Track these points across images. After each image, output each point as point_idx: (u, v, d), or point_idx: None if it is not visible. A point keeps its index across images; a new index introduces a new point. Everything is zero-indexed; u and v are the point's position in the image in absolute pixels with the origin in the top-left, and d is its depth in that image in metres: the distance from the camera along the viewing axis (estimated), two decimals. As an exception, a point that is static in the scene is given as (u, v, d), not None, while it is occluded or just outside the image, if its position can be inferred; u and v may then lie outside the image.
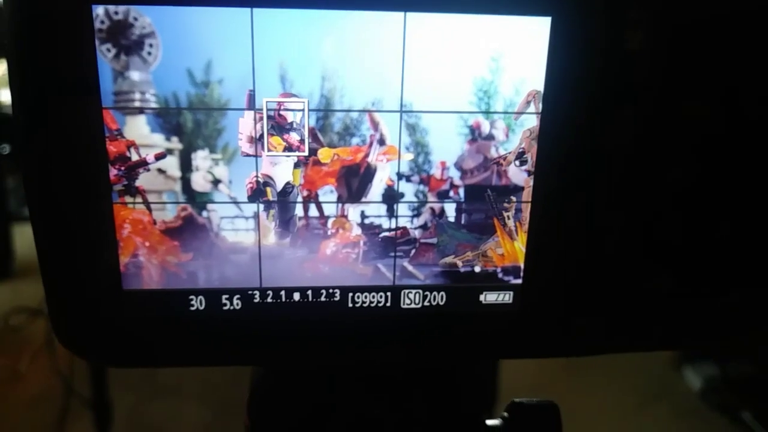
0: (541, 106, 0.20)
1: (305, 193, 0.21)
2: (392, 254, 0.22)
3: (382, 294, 0.22)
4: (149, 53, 0.19)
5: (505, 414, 0.27)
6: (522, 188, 0.21)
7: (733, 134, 0.21)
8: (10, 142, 2.79)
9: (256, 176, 0.20)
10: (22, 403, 1.81)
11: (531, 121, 0.20)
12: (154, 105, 0.19)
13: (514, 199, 0.21)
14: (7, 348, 1.99)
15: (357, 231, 0.21)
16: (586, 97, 0.20)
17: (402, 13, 0.19)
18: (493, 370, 0.28)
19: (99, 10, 0.18)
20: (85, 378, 1.56)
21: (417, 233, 0.22)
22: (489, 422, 0.27)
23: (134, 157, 0.20)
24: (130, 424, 1.72)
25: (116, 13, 0.18)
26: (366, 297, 0.22)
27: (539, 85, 0.20)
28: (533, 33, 0.19)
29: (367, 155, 0.21)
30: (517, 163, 0.21)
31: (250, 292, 0.22)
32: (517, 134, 0.21)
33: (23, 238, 2.75)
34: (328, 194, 0.21)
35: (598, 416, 1.71)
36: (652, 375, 1.92)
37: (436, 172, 0.21)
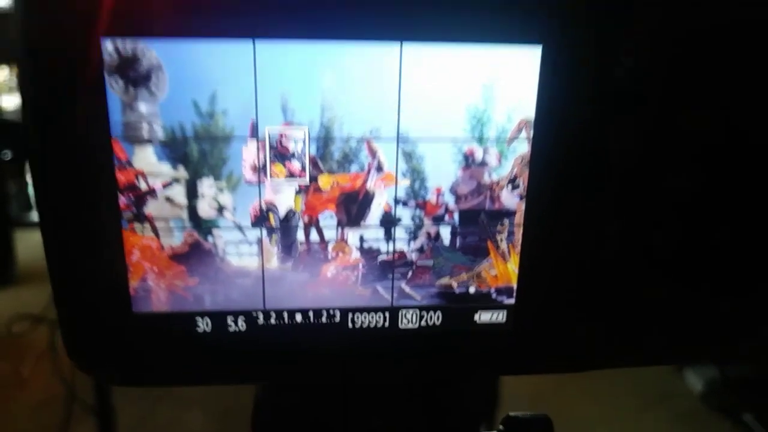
0: (532, 132, 0.21)
1: (306, 219, 0.22)
2: (390, 276, 0.23)
3: (380, 314, 0.23)
4: (156, 86, 0.20)
5: (501, 427, 0.27)
6: (514, 212, 0.22)
7: (714, 157, 0.21)
8: (11, 147, 2.80)
9: (260, 203, 0.21)
10: (26, 409, 1.81)
11: (523, 148, 0.21)
12: (161, 135, 0.20)
13: (506, 222, 0.22)
14: (10, 354, 2.00)
15: (356, 254, 0.22)
16: (575, 124, 0.21)
17: (398, 44, 0.20)
18: (492, 381, 0.29)
19: (108, 44, 0.19)
20: (87, 384, 1.56)
21: (414, 256, 0.22)
22: None
23: (142, 186, 0.21)
24: (133, 430, 1.72)
25: (125, 46, 0.19)
26: (365, 317, 0.23)
27: (530, 112, 0.21)
28: (524, 62, 0.20)
29: (365, 182, 0.21)
30: (510, 188, 0.22)
31: (254, 314, 0.22)
32: (509, 160, 0.21)
33: (25, 244, 2.76)
34: (328, 219, 0.22)
35: (600, 419, 1.71)
36: (653, 378, 1.92)
37: (431, 197, 0.22)
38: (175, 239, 0.21)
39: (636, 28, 0.20)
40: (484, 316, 0.23)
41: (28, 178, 3.02)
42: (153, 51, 0.19)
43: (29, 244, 2.82)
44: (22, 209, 3.00)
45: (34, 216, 3.04)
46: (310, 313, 0.23)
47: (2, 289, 2.54)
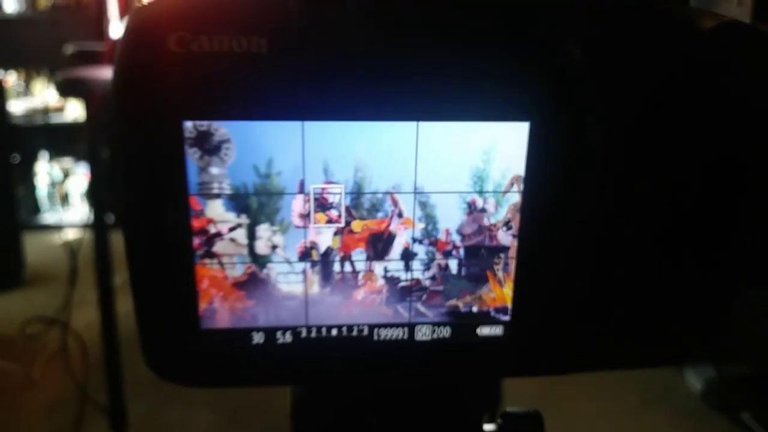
0: (522, 186, 0.27)
1: (341, 254, 0.27)
2: (408, 299, 0.28)
3: (400, 329, 0.28)
4: (225, 154, 0.25)
5: (499, 420, 0.33)
6: (508, 248, 0.28)
7: (681, 205, 0.27)
8: (20, 151, 2.84)
9: (305, 243, 0.27)
10: (38, 410, 1.85)
11: (515, 198, 0.27)
12: (228, 192, 0.26)
13: (502, 256, 0.28)
14: (22, 356, 2.04)
15: (381, 282, 0.28)
16: (556, 180, 0.26)
17: (415, 123, 0.25)
18: (495, 383, 0.34)
19: (188, 124, 0.25)
20: (99, 385, 1.61)
21: (427, 283, 0.28)
22: (486, 427, 0.33)
23: (212, 230, 0.26)
24: (142, 429, 1.76)
25: (201, 125, 0.25)
26: (388, 332, 0.28)
27: (521, 170, 0.26)
28: (516, 134, 0.26)
29: (388, 225, 0.27)
30: (504, 229, 0.27)
31: (298, 329, 0.28)
32: (504, 207, 0.27)
33: (34, 247, 2.80)
34: (359, 255, 0.27)
35: (600, 418, 1.76)
36: (653, 377, 1.96)
37: (442, 236, 0.27)
38: (237, 271, 0.27)
39: (606, 111, 0.26)
40: (484, 330, 0.29)
41: (36, 182, 3.07)
42: (223, 129, 0.25)
43: (38, 247, 2.87)
44: (31, 212, 3.06)
45: (43, 219, 3.09)
46: (344, 329, 0.28)
47: (12, 291, 2.58)
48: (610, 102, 0.26)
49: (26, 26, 3.00)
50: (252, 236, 0.26)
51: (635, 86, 0.26)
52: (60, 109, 3.07)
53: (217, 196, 0.26)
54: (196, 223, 0.26)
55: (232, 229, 0.26)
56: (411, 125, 0.25)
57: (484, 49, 0.25)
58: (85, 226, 2.42)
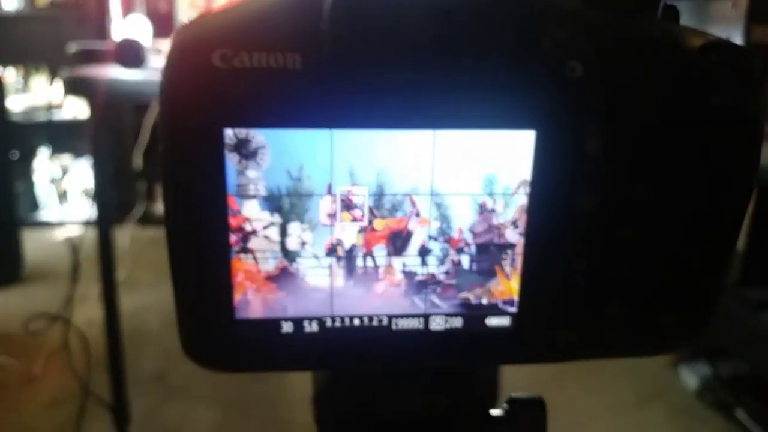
0: (528, 189, 0.29)
1: (364, 251, 0.30)
2: (424, 291, 0.31)
3: (416, 319, 0.31)
4: (261, 158, 0.28)
5: (505, 405, 0.36)
6: (515, 245, 0.30)
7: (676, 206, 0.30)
8: (19, 148, 2.85)
9: (331, 239, 0.29)
10: (39, 406, 1.86)
11: (522, 200, 0.29)
12: (263, 193, 0.28)
13: (510, 252, 0.30)
14: (22, 351, 2.05)
15: (399, 276, 0.30)
16: (561, 185, 0.29)
17: (432, 131, 0.28)
18: (495, 374, 0.37)
19: (228, 131, 0.27)
20: (101, 381, 1.62)
21: (442, 277, 0.31)
22: (493, 411, 0.36)
23: (248, 228, 0.29)
24: (144, 424, 1.78)
25: (240, 133, 0.27)
26: (405, 322, 0.31)
27: (527, 175, 0.29)
28: (523, 140, 0.28)
29: (407, 224, 0.29)
30: (512, 227, 0.30)
31: (323, 319, 0.31)
32: (512, 208, 0.30)
33: (32, 243, 2.81)
34: (380, 251, 0.30)
35: (596, 415, 1.79)
36: (648, 375, 1.99)
37: (455, 234, 0.30)
38: (269, 265, 0.29)
39: (604, 122, 0.28)
40: (493, 321, 0.31)
41: (35, 178, 3.09)
42: (260, 136, 0.27)
43: (36, 243, 2.88)
44: (30, 209, 3.07)
45: (41, 215, 3.10)
46: (365, 318, 0.31)
47: (10, 288, 2.59)
48: (608, 114, 0.28)
49: (25, 23, 3.01)
50: (284, 233, 0.29)
51: (630, 100, 0.28)
52: (59, 106, 3.08)
53: (253, 196, 0.28)
54: (233, 222, 0.28)
55: (266, 227, 0.29)
56: (428, 133, 0.28)
57: (495, 65, 0.28)
58: (86, 223, 2.44)
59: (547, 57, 0.28)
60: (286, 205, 0.29)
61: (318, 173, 0.28)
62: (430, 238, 0.30)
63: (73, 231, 3.00)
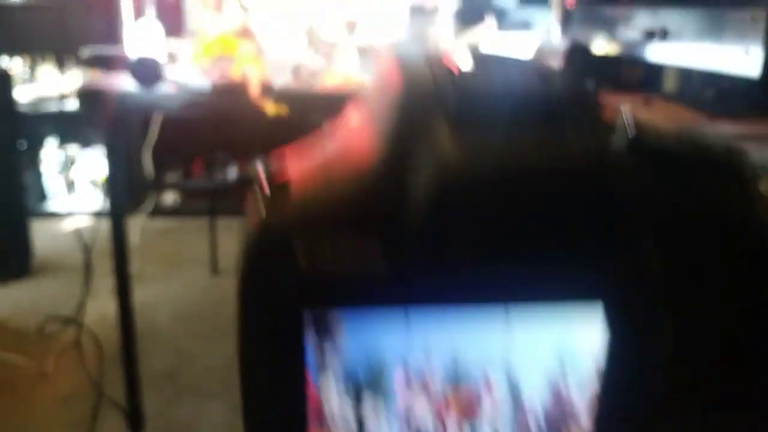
0: (601, 371, 0.30)
1: (438, 425, 0.30)
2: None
3: None
4: (338, 336, 0.28)
5: None
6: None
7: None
8: (27, 138, 2.84)
9: (406, 411, 0.30)
10: (51, 403, 1.87)
11: (594, 387, 0.30)
12: (339, 369, 0.29)
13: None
14: (34, 348, 2.05)
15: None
16: (632, 368, 0.29)
17: (504, 305, 0.28)
18: None
19: (307, 312, 0.28)
20: (110, 378, 1.62)
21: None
22: None
23: (324, 400, 0.29)
24: (156, 422, 1.78)
25: (319, 312, 0.28)
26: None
27: (600, 359, 0.29)
28: (590, 319, 0.29)
29: (479, 395, 0.30)
30: (584, 413, 0.30)
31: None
32: (584, 393, 0.30)
33: (40, 234, 2.80)
34: (451, 420, 0.30)
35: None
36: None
37: (526, 405, 0.30)
38: (342, 438, 0.30)
39: (670, 298, 0.29)
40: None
41: (43, 169, 3.07)
42: (338, 314, 0.28)
43: (45, 235, 2.87)
44: (38, 199, 3.06)
45: (50, 206, 3.10)
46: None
47: (20, 281, 2.58)
48: (673, 290, 0.28)
49: (31, 13, 2.97)
50: (359, 405, 0.29)
51: (701, 282, 0.28)
52: (66, 96, 3.06)
53: (330, 371, 0.29)
54: (310, 395, 0.29)
55: (341, 401, 0.29)
56: (499, 308, 0.28)
57: (568, 246, 0.28)
58: (96, 214, 2.41)
59: (616, 239, 0.28)
60: (361, 379, 0.29)
61: (393, 349, 0.29)
62: (501, 410, 0.30)
63: (82, 222, 2.99)
